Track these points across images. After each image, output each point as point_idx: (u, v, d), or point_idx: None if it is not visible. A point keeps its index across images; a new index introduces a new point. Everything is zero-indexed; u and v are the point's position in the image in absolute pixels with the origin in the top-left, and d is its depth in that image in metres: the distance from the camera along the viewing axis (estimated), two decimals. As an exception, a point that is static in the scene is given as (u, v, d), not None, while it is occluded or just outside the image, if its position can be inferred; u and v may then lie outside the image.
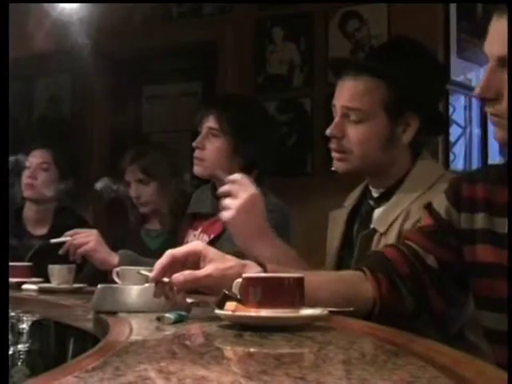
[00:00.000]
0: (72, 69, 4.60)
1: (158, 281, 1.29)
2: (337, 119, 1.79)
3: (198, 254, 1.30)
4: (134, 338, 1.05)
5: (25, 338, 1.63)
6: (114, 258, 2.37)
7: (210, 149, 2.41)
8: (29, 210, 3.25)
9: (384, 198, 1.80)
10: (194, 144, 2.44)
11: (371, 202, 1.83)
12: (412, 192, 1.74)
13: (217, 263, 1.29)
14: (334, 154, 1.81)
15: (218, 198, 2.43)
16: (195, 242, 1.36)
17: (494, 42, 1.32)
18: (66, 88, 4.76)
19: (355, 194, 1.93)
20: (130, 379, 0.72)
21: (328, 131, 1.79)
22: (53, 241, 2.54)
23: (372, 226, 1.78)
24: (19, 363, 1.61)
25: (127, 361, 0.83)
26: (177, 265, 1.29)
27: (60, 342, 1.81)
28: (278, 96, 3.97)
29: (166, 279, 1.28)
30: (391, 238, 1.69)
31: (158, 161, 2.95)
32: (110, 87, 4.68)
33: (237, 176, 1.78)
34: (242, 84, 4.08)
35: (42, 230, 3.19)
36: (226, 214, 1.74)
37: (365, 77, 1.75)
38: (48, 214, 3.25)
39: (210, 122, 2.41)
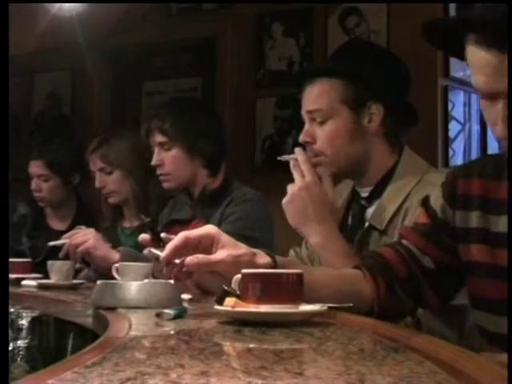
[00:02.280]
0: (72, 65, 4.60)
1: (168, 261, 1.29)
2: (306, 125, 1.85)
3: (211, 237, 1.30)
4: (133, 333, 1.05)
5: (24, 333, 1.63)
6: (115, 255, 2.36)
7: (168, 162, 2.43)
8: (48, 210, 3.35)
9: (375, 196, 1.81)
10: (152, 163, 2.46)
11: (363, 202, 1.83)
12: (403, 187, 1.76)
13: (229, 249, 1.29)
14: (312, 160, 1.84)
15: (194, 203, 2.47)
16: (209, 226, 1.34)
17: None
18: (65, 84, 4.76)
19: (343, 196, 1.94)
20: (129, 375, 0.72)
21: (300, 138, 1.85)
22: (51, 243, 2.53)
23: (368, 223, 1.79)
24: (19, 359, 1.61)
25: (126, 356, 0.83)
26: (189, 247, 1.29)
27: (59, 337, 1.81)
28: (277, 92, 3.97)
29: (177, 260, 1.28)
30: (393, 235, 1.69)
31: (119, 148, 2.84)
32: (110, 83, 4.68)
33: (298, 155, 1.78)
34: (241, 80, 4.08)
35: (62, 226, 3.23)
36: (284, 200, 1.77)
37: (320, 79, 1.81)
38: (69, 211, 3.33)
39: (158, 137, 2.43)
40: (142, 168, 2.81)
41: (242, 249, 1.31)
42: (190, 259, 1.26)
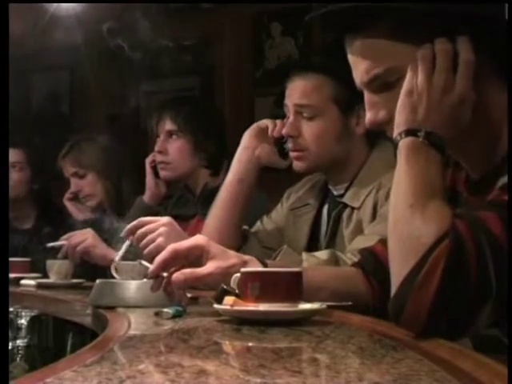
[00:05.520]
0: (69, 64, 4.60)
1: (156, 275, 1.29)
2: (291, 118, 1.84)
3: (201, 248, 1.29)
4: (132, 332, 1.05)
5: (23, 333, 1.63)
6: (114, 253, 2.36)
7: (172, 151, 2.45)
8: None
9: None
10: (156, 149, 2.46)
11: (338, 200, 1.84)
12: (374, 173, 1.78)
13: (219, 261, 1.28)
14: (292, 154, 1.86)
15: (196, 200, 2.48)
16: (198, 237, 1.34)
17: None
18: (63, 83, 4.76)
19: (314, 192, 1.95)
20: (128, 373, 0.72)
21: (284, 131, 1.85)
22: (49, 245, 2.52)
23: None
24: (18, 358, 1.61)
25: (125, 355, 0.83)
26: (179, 259, 1.29)
27: (58, 337, 1.81)
28: (276, 91, 3.96)
29: (164, 274, 1.28)
30: (367, 211, 1.72)
31: (90, 151, 2.85)
32: (108, 82, 4.67)
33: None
34: (239, 79, 4.08)
35: (27, 225, 3.16)
36: None
37: (312, 74, 1.81)
38: (31, 209, 3.21)
39: (168, 125, 2.44)
40: (116, 169, 2.84)
41: (232, 258, 1.30)
42: (175, 276, 1.25)
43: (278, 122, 1.95)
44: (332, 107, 1.80)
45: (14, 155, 3.14)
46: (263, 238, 1.99)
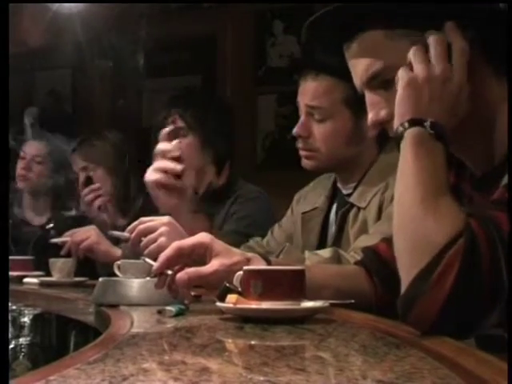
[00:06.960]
0: (72, 63, 4.60)
1: (161, 272, 1.29)
2: (302, 118, 1.85)
3: (205, 246, 1.29)
4: (135, 330, 1.06)
5: (26, 331, 1.63)
6: (117, 251, 2.37)
7: (181, 149, 2.43)
8: (26, 200, 3.23)
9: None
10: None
11: (346, 199, 1.84)
12: (382, 171, 1.78)
13: (223, 258, 1.28)
14: (302, 153, 1.87)
15: (199, 199, 2.47)
16: (203, 234, 1.34)
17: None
18: (66, 82, 4.76)
19: (323, 194, 1.95)
20: (132, 371, 0.72)
21: (294, 131, 1.85)
22: (53, 240, 2.53)
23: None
24: (21, 357, 1.61)
25: (128, 353, 0.83)
26: (183, 256, 1.29)
27: (61, 335, 1.81)
28: (278, 89, 3.96)
29: (169, 271, 1.28)
30: (373, 211, 1.73)
31: (99, 146, 2.86)
32: (110, 80, 4.68)
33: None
34: (241, 77, 4.08)
35: (40, 220, 3.17)
36: None
37: (324, 76, 1.81)
38: (46, 204, 3.23)
39: (177, 123, 2.43)
40: (124, 166, 2.83)
41: (236, 256, 1.30)
42: (179, 277, 1.25)
43: None
44: (343, 109, 1.80)
45: (36, 148, 3.17)
46: (272, 249, 1.97)
